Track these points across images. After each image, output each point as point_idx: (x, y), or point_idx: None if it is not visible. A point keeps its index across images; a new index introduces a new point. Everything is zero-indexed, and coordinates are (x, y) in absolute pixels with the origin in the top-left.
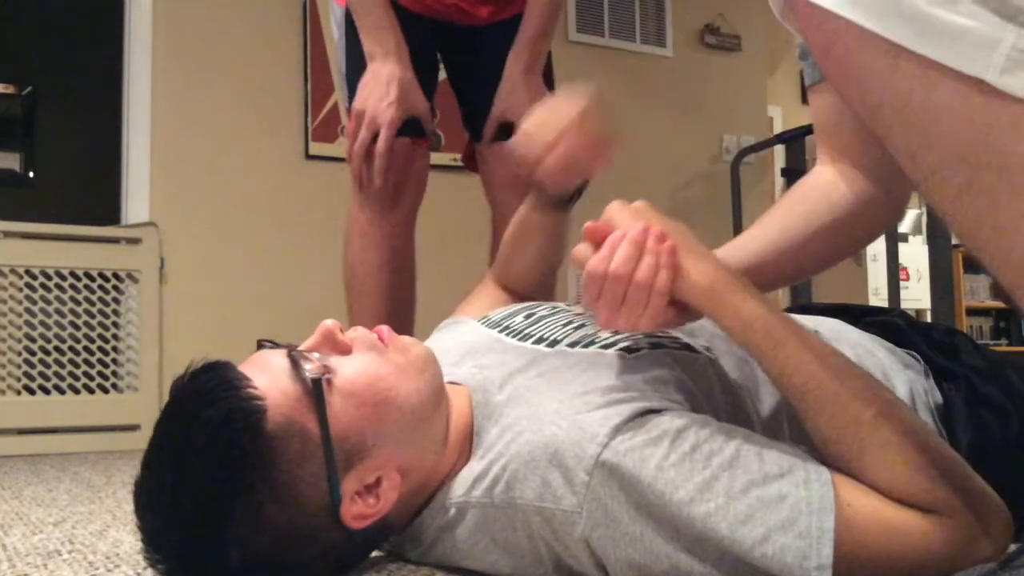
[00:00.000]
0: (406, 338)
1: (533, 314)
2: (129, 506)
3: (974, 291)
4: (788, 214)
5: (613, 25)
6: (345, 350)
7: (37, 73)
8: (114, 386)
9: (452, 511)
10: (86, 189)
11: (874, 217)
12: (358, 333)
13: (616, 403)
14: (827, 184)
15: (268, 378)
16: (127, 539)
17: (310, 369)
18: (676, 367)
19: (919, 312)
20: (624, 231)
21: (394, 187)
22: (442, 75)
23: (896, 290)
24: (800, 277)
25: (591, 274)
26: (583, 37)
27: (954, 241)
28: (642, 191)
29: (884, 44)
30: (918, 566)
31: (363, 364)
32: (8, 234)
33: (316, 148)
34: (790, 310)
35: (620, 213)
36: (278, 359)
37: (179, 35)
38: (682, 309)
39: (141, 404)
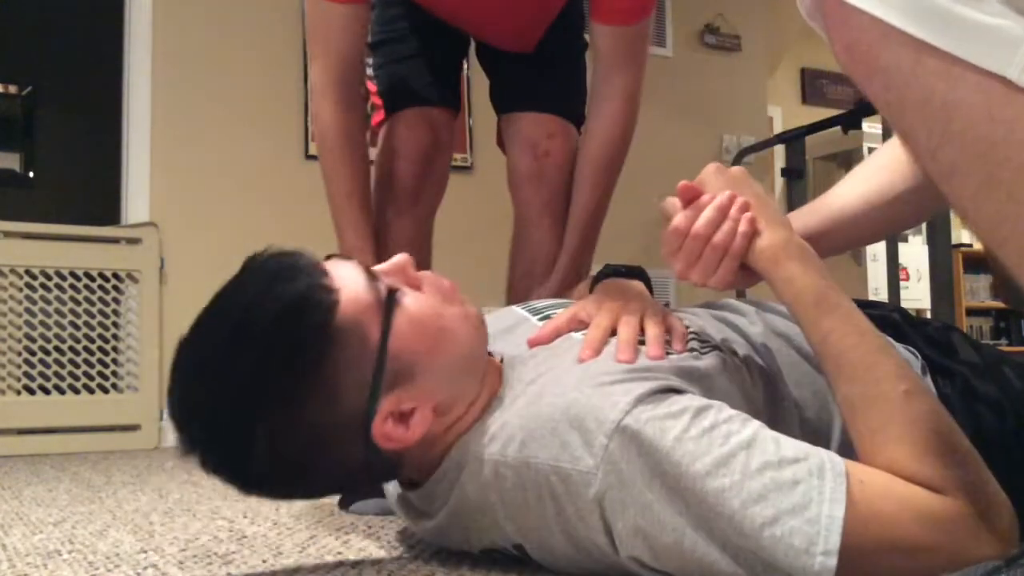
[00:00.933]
0: (465, 297)
1: None
2: (129, 506)
3: (974, 291)
4: (867, 181)
5: None
6: (415, 285)
7: (37, 73)
8: (114, 386)
9: (466, 467)
10: (86, 189)
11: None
12: (429, 275)
13: (639, 379)
14: (903, 154)
15: (345, 279)
16: (127, 539)
17: (385, 284)
18: (698, 364)
19: (919, 312)
20: (713, 195)
21: (414, 184)
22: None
23: (896, 290)
24: (880, 237)
25: (675, 229)
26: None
27: (954, 241)
28: (642, 191)
29: (908, 40)
30: (925, 547)
31: (431, 300)
32: (8, 234)
33: (316, 148)
34: None
35: (715, 178)
36: (354, 269)
37: (179, 35)
38: (748, 274)
39: (141, 404)
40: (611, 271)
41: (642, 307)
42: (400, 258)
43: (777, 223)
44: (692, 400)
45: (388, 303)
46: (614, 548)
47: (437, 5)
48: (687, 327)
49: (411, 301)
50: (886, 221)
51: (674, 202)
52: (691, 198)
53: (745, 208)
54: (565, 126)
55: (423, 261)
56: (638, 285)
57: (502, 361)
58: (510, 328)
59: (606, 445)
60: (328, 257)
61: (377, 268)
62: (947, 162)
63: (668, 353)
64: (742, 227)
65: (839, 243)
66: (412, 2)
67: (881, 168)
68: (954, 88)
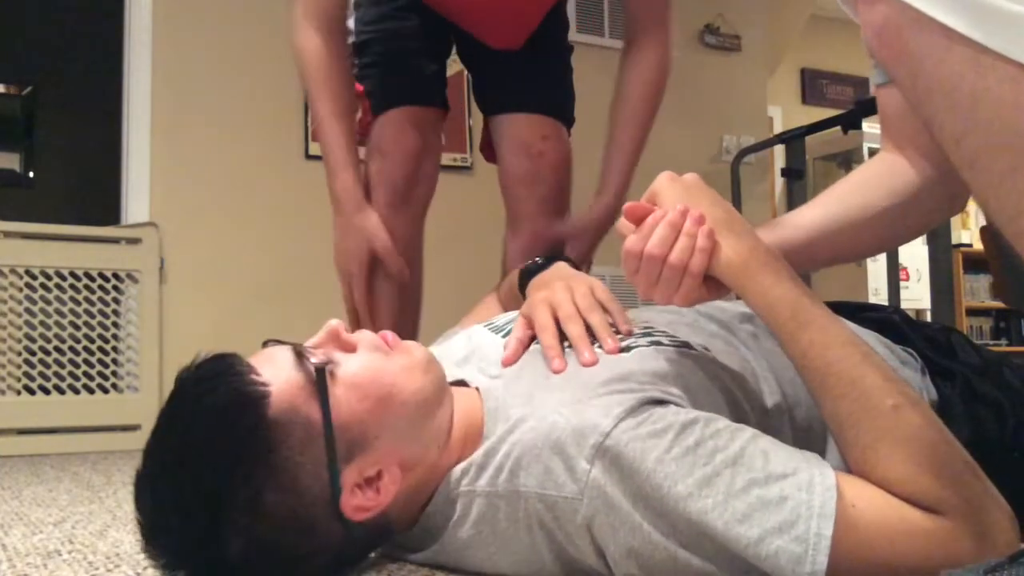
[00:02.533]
0: (409, 342)
1: None
2: (129, 506)
3: (974, 291)
4: (847, 196)
5: (613, 25)
6: (350, 348)
7: (37, 73)
8: (114, 386)
9: (458, 503)
10: (86, 189)
11: (933, 204)
12: (364, 335)
13: (618, 393)
14: (889, 170)
15: (273, 368)
16: (127, 539)
17: (314, 360)
18: (673, 363)
19: (919, 312)
20: (664, 211)
21: (405, 184)
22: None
23: (896, 290)
24: (855, 257)
25: (628, 252)
26: (583, 37)
27: (954, 241)
28: (642, 191)
29: (938, 28)
30: (920, 568)
31: (367, 360)
32: (8, 234)
33: (316, 148)
34: None
35: (668, 189)
36: (283, 353)
37: (179, 35)
38: (716, 286)
39: (141, 404)
40: (528, 271)
41: (569, 291)
42: (329, 326)
43: (738, 231)
44: (677, 415)
45: (320, 380)
46: (608, 570)
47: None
48: (646, 322)
49: (346, 369)
50: (867, 238)
51: (626, 222)
52: (641, 216)
53: (700, 221)
54: (558, 127)
55: (416, 257)
56: (560, 268)
57: (478, 391)
58: (474, 351)
59: (588, 470)
60: (265, 344)
61: (308, 344)
62: (971, 150)
63: (625, 347)
64: (700, 242)
65: (808, 260)
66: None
67: (861, 184)
68: (982, 77)
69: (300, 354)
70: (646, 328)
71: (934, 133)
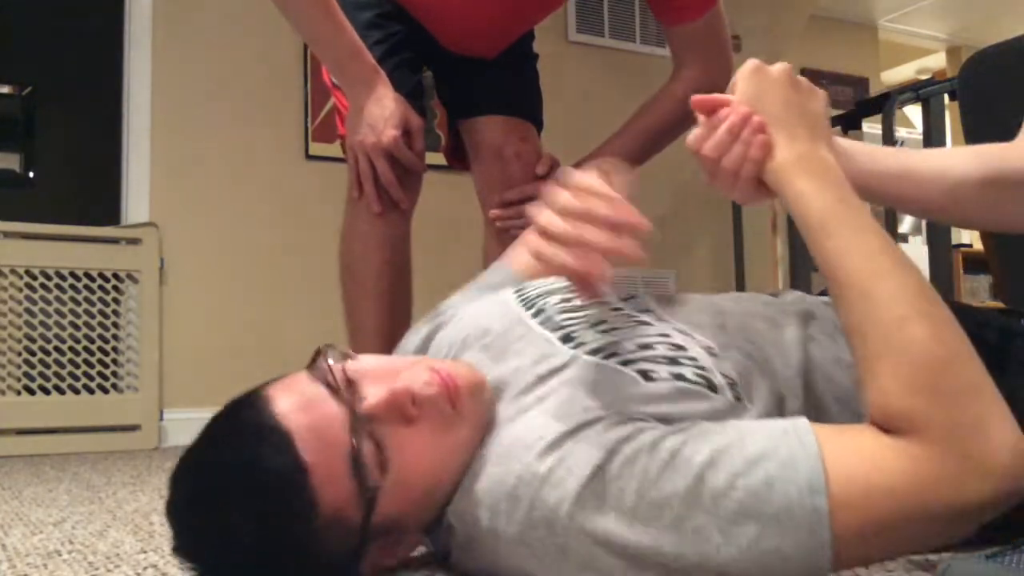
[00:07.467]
0: (467, 388)
1: (570, 299)
2: (129, 506)
3: (974, 291)
4: (955, 154)
5: (613, 25)
6: (412, 420)
7: (37, 73)
8: (114, 386)
9: (444, 524)
10: (86, 189)
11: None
12: (430, 392)
13: (611, 427)
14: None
15: (324, 456)
16: (127, 539)
17: (370, 483)
18: (689, 402)
19: None
20: (728, 111)
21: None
22: None
23: None
24: (919, 213)
25: (689, 146)
26: (583, 37)
27: (954, 241)
28: (642, 190)
29: None
30: (913, 503)
31: (426, 446)
32: (8, 234)
33: (316, 148)
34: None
35: (744, 81)
36: (337, 426)
37: (179, 35)
38: (769, 188)
39: (141, 404)
40: None
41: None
42: (394, 395)
43: (798, 136)
44: (649, 434)
45: (368, 501)
46: None
47: (422, 10)
48: (683, 331)
49: (400, 464)
50: (937, 204)
51: (697, 108)
52: (709, 108)
53: (759, 128)
54: (532, 130)
55: (404, 260)
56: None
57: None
58: (504, 333)
59: (567, 525)
60: (315, 356)
61: (369, 402)
62: None
63: (643, 371)
64: (752, 152)
65: (883, 196)
66: (380, 11)
67: (973, 151)
68: None
69: (357, 459)
70: (675, 347)
71: None
